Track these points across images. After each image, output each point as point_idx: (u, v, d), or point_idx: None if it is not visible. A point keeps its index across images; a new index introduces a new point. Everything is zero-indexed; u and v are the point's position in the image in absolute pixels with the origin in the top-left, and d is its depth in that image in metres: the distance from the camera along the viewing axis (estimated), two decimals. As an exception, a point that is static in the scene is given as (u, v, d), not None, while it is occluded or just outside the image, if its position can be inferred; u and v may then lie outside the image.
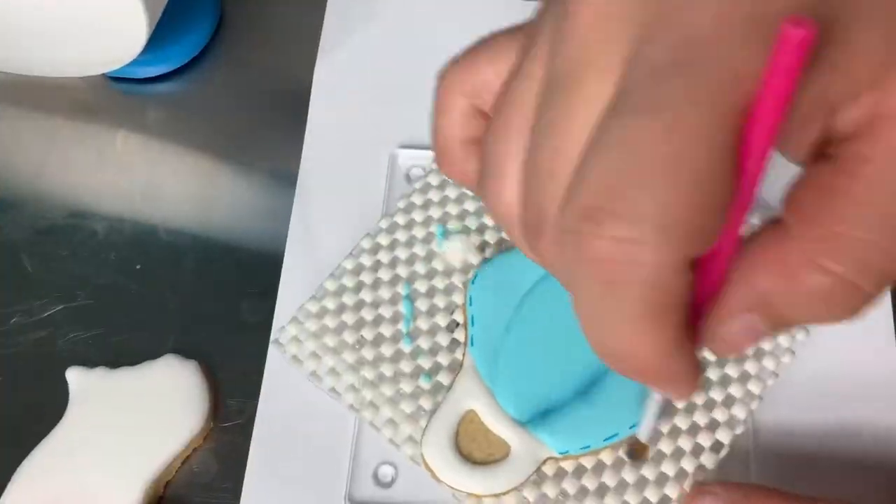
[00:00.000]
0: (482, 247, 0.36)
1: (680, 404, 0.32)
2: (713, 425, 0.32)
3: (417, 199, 0.37)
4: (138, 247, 0.40)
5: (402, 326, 0.35)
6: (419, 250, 0.36)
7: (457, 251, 0.36)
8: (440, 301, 0.35)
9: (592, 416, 0.31)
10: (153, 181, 0.42)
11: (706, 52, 0.15)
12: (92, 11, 0.38)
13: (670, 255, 0.16)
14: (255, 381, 0.36)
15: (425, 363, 0.34)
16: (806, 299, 0.17)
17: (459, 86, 0.22)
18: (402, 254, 0.36)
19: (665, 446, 0.32)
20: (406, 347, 0.34)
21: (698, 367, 0.18)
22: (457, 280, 0.36)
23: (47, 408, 0.36)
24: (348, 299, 0.35)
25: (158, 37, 0.42)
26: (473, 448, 0.31)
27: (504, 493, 0.31)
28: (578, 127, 0.17)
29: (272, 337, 0.36)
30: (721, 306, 0.18)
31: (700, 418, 0.32)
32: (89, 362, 0.37)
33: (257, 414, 0.35)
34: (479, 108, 0.22)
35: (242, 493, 0.34)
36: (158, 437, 0.35)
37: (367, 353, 0.34)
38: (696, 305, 0.18)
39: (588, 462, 0.32)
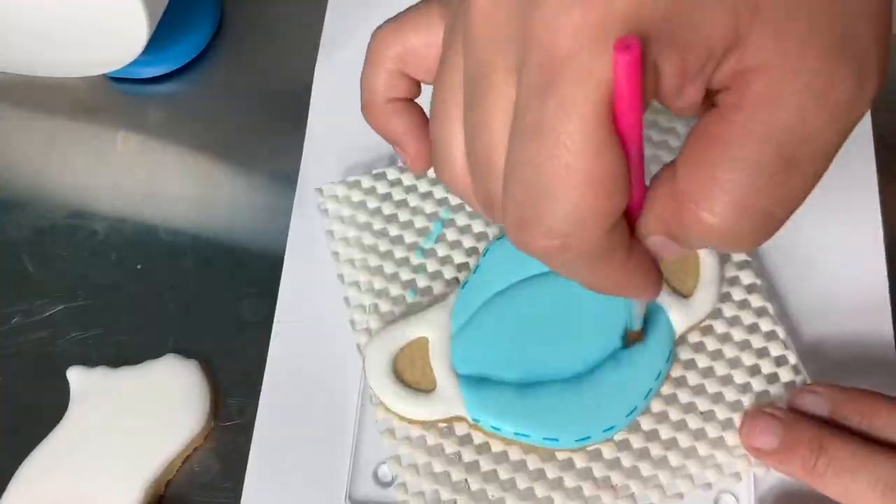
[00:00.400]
0: None
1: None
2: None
3: None
4: (139, 247, 0.40)
5: (422, 241, 0.37)
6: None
7: None
8: (467, 241, 0.37)
9: (517, 408, 0.32)
10: (153, 181, 0.42)
11: (567, 70, 0.17)
12: (92, 12, 0.38)
13: (590, 234, 0.19)
14: (255, 381, 0.36)
15: (421, 281, 0.36)
16: (693, 232, 0.19)
17: (387, 49, 0.25)
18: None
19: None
20: (415, 260, 0.36)
21: (654, 273, 0.22)
22: (492, 231, 0.37)
23: (48, 408, 0.36)
24: (397, 194, 0.38)
25: (159, 37, 0.42)
26: (407, 369, 0.33)
27: (408, 420, 0.32)
28: (499, 123, 0.20)
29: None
30: (639, 228, 0.21)
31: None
32: (90, 362, 0.37)
33: (258, 413, 0.35)
34: (403, 71, 0.25)
35: (243, 493, 0.34)
36: (159, 436, 0.35)
37: (382, 245, 0.37)
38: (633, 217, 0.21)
39: (494, 445, 0.32)
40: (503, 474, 0.32)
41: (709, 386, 0.33)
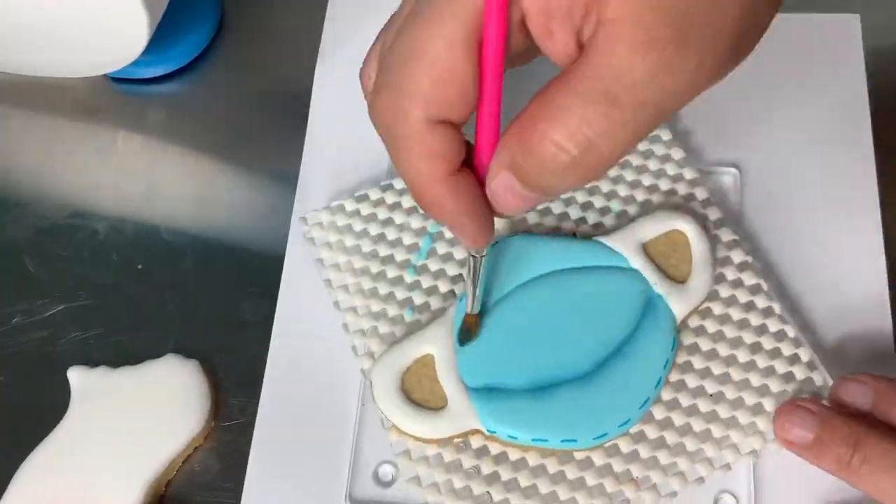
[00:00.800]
0: (516, 225, 0.37)
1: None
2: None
3: None
4: (139, 247, 0.40)
5: (413, 258, 0.37)
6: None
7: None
8: (458, 253, 0.37)
9: (532, 415, 0.32)
10: (154, 181, 0.42)
11: None
12: (93, 12, 0.38)
13: (419, 116, 0.22)
14: (255, 381, 0.36)
15: (417, 299, 0.36)
16: (531, 157, 0.22)
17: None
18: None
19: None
20: (408, 278, 0.36)
21: (478, 215, 0.24)
22: None
23: (49, 407, 0.36)
24: (381, 213, 0.38)
25: (159, 38, 0.42)
26: (415, 388, 0.33)
27: (423, 440, 0.32)
28: (395, 28, 0.23)
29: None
30: (490, 166, 0.23)
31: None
32: (90, 362, 0.37)
33: (258, 413, 0.35)
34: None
35: (243, 493, 0.34)
36: (160, 436, 0.35)
37: (373, 267, 0.36)
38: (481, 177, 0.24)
39: (512, 453, 0.32)
40: (524, 482, 0.32)
41: (714, 368, 0.33)
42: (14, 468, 0.35)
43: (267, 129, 0.43)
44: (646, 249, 0.35)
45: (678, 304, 0.33)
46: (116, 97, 0.45)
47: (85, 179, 0.43)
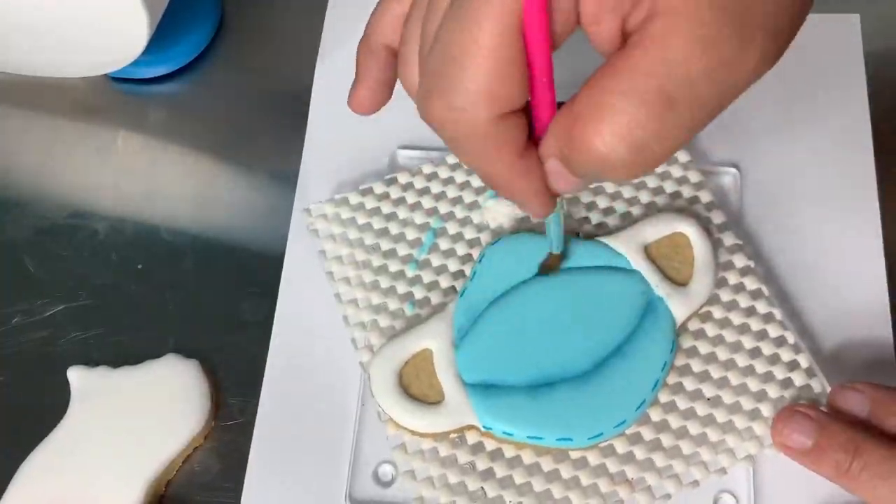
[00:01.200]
0: (522, 220, 0.37)
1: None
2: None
3: None
4: (139, 247, 0.40)
5: (416, 253, 0.37)
6: (467, 196, 0.38)
7: (498, 213, 0.37)
8: (460, 249, 0.37)
9: (528, 412, 0.32)
10: (154, 181, 0.42)
11: None
12: (93, 12, 0.38)
13: (481, 114, 0.21)
14: (255, 381, 0.36)
15: (418, 293, 0.36)
16: (580, 153, 0.21)
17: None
18: (451, 192, 0.38)
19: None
20: (410, 272, 0.36)
21: (542, 188, 0.24)
22: (484, 237, 0.37)
23: (49, 407, 0.36)
24: (385, 207, 0.38)
25: (159, 37, 0.42)
26: (413, 382, 0.33)
27: (419, 434, 0.32)
28: (433, 22, 0.22)
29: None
30: (539, 150, 0.23)
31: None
32: (90, 362, 0.37)
33: (258, 413, 0.35)
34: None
35: (243, 492, 0.34)
36: (160, 436, 0.35)
37: (375, 260, 0.36)
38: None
39: (507, 450, 0.32)
40: (518, 479, 0.32)
41: (713, 371, 0.33)
42: (14, 468, 0.35)
43: (267, 129, 0.43)
44: (648, 251, 0.35)
45: (679, 307, 0.33)
46: (116, 97, 0.45)
47: (85, 179, 0.43)
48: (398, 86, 0.42)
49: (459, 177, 0.38)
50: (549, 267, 0.34)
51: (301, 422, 0.35)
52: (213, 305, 0.39)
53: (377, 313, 0.35)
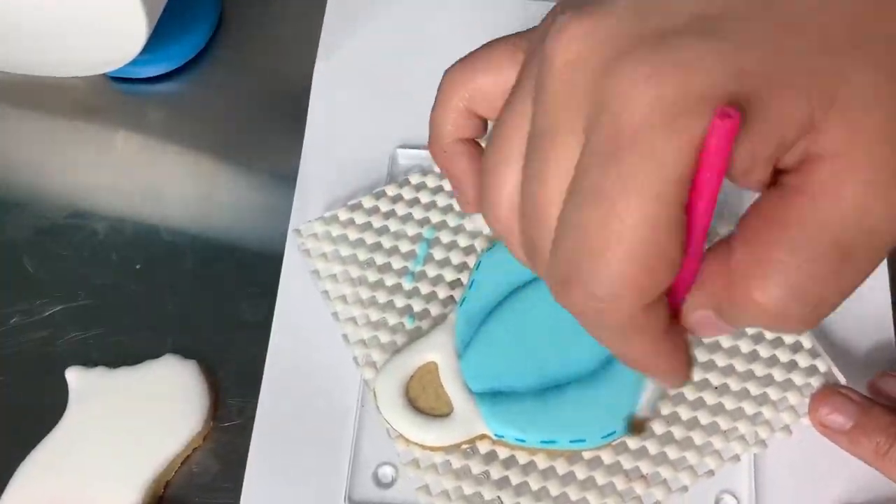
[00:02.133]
0: None
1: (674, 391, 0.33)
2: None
3: None
4: (138, 247, 0.40)
5: (411, 265, 0.36)
6: (457, 204, 0.37)
7: None
8: (455, 257, 0.36)
9: (539, 416, 0.32)
10: (153, 181, 0.42)
11: (634, 144, 0.17)
12: (92, 11, 0.38)
13: (636, 306, 0.19)
14: (255, 381, 0.36)
15: (416, 306, 0.35)
16: (744, 310, 0.19)
17: (458, 88, 0.24)
18: (440, 201, 0.38)
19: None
20: (406, 285, 0.36)
21: (684, 362, 0.22)
22: (478, 244, 0.37)
23: (47, 408, 0.36)
24: (376, 221, 0.37)
25: (158, 37, 0.42)
26: (420, 396, 0.32)
27: (430, 448, 0.32)
28: (557, 180, 0.20)
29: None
30: (687, 303, 0.21)
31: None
32: (89, 362, 0.37)
33: (257, 414, 0.35)
34: (473, 111, 0.25)
35: (242, 493, 0.34)
36: (158, 436, 0.35)
37: (371, 276, 0.36)
38: (677, 299, 0.21)
39: (521, 457, 0.32)
40: (534, 484, 0.32)
41: (718, 360, 0.34)
42: (13, 468, 0.34)
43: (266, 129, 0.43)
44: None
45: None
46: (116, 96, 0.44)
47: (84, 179, 0.42)
48: (398, 87, 0.42)
49: (448, 185, 0.38)
50: (637, 428, 0.32)
51: (300, 423, 0.35)
52: (213, 306, 0.39)
53: (377, 329, 0.35)
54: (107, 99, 0.44)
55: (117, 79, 0.45)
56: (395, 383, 0.32)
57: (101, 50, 0.41)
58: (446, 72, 0.25)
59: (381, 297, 0.36)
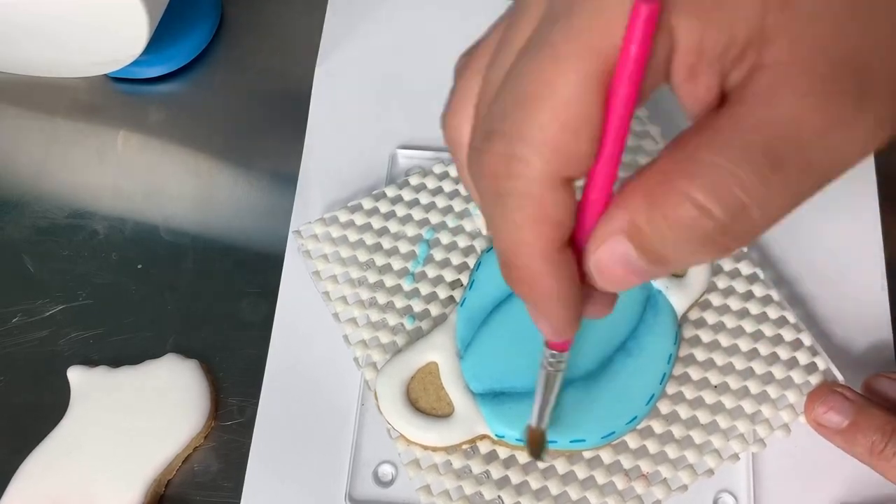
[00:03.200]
0: None
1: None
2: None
3: None
4: (139, 246, 0.40)
5: (411, 266, 0.36)
6: (457, 205, 0.38)
7: None
8: (455, 258, 0.36)
9: None
10: (154, 181, 0.42)
11: (591, 3, 0.17)
12: (93, 12, 0.38)
13: (542, 170, 0.18)
14: (255, 381, 0.36)
15: (417, 306, 0.35)
16: (667, 223, 0.18)
17: (474, 69, 0.22)
18: (440, 202, 0.38)
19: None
20: (406, 286, 0.36)
21: (571, 300, 0.20)
22: (478, 245, 0.37)
23: (49, 407, 0.36)
24: (376, 223, 0.37)
25: (159, 37, 0.42)
26: (421, 396, 0.33)
27: (431, 448, 0.32)
28: (518, 45, 0.19)
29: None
30: (597, 230, 0.19)
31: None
32: (90, 361, 0.37)
33: (258, 413, 0.35)
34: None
35: (243, 492, 0.34)
36: (160, 436, 0.35)
37: (371, 276, 0.36)
38: (579, 243, 0.20)
39: (522, 457, 0.32)
40: (534, 484, 0.32)
41: (717, 358, 0.34)
42: (14, 467, 0.35)
43: (267, 129, 0.43)
44: None
45: (678, 298, 0.34)
46: (117, 97, 0.45)
47: (85, 179, 0.43)
48: (398, 87, 0.43)
49: (448, 186, 0.38)
50: (532, 446, 0.30)
51: (301, 421, 0.35)
52: (213, 305, 0.39)
53: (377, 330, 0.35)
54: (108, 99, 0.44)
55: (118, 79, 0.45)
56: (396, 384, 0.33)
57: (102, 51, 0.41)
58: (461, 57, 0.23)
59: (382, 298, 0.36)
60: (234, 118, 0.44)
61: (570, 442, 0.32)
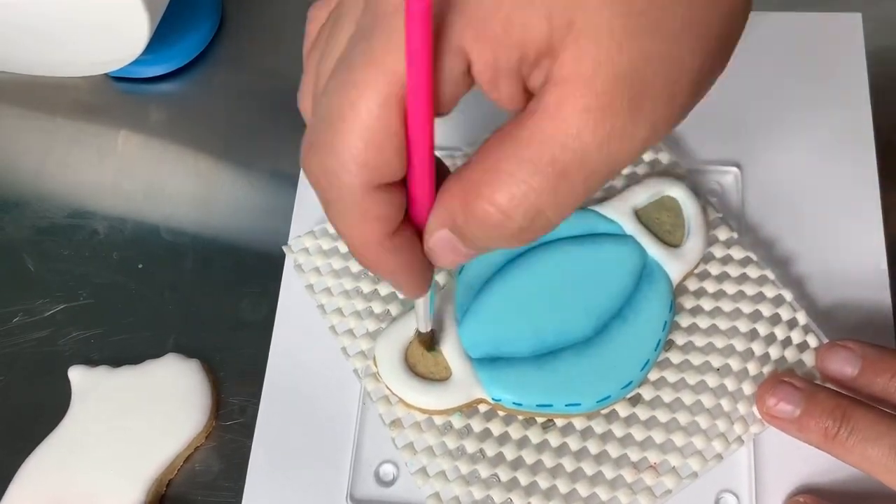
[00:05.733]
0: None
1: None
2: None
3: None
4: (139, 246, 0.40)
5: None
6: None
7: None
8: None
9: (536, 381, 0.32)
10: (154, 181, 0.42)
11: (385, 24, 0.19)
12: (94, 12, 0.38)
13: (355, 182, 0.20)
14: (256, 380, 0.36)
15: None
16: (478, 224, 0.21)
17: (318, 19, 0.24)
18: None
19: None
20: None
21: (417, 269, 0.23)
22: None
23: (49, 407, 0.36)
24: None
25: (160, 37, 0.42)
26: (419, 361, 0.33)
27: (430, 412, 0.32)
28: (334, 58, 0.21)
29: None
30: (428, 224, 0.22)
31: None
32: (91, 361, 0.37)
33: (259, 412, 0.35)
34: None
35: (244, 492, 0.34)
36: (160, 435, 0.35)
37: (365, 286, 0.36)
38: (419, 226, 0.23)
39: (515, 430, 0.33)
40: (529, 459, 0.32)
41: (717, 342, 0.34)
42: (15, 467, 0.35)
43: (267, 129, 0.43)
44: (639, 216, 0.35)
45: (673, 267, 0.34)
46: (117, 96, 0.45)
47: (85, 179, 0.43)
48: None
49: None
50: (423, 344, 0.33)
51: (302, 421, 0.35)
52: (214, 305, 0.39)
53: (374, 339, 0.35)
54: (108, 99, 0.44)
55: (119, 78, 0.45)
56: (394, 349, 0.33)
57: (103, 50, 0.41)
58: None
59: (377, 308, 0.36)
60: (234, 118, 0.44)
61: (566, 406, 0.32)
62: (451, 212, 0.21)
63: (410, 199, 0.22)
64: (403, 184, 0.22)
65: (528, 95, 0.20)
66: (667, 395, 0.33)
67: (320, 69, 0.22)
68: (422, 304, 0.30)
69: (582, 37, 0.18)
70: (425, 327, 0.32)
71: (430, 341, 0.33)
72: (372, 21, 0.19)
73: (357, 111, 0.19)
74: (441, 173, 0.22)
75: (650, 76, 0.19)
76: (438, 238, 0.22)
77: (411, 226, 0.23)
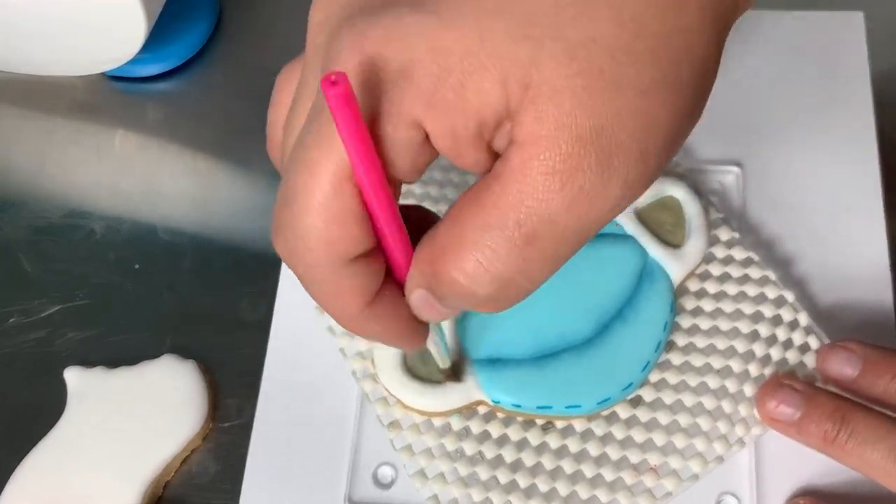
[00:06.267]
0: None
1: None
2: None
3: None
4: (137, 246, 0.40)
5: None
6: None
7: None
8: None
9: (535, 383, 0.32)
10: (152, 180, 0.42)
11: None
12: (91, 11, 0.38)
13: (322, 259, 0.20)
14: (254, 381, 0.36)
15: None
16: (446, 287, 0.20)
17: (290, 84, 0.24)
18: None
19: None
20: None
21: (404, 329, 0.23)
22: None
23: (45, 408, 0.36)
24: None
25: (157, 36, 0.42)
26: (418, 363, 0.33)
27: (429, 413, 0.32)
28: (298, 130, 0.21)
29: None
30: (406, 284, 0.22)
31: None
32: (87, 362, 0.37)
33: (256, 414, 0.35)
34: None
35: (241, 494, 0.34)
36: (157, 437, 0.35)
37: None
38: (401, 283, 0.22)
39: (514, 431, 0.32)
40: (528, 461, 0.32)
41: (718, 343, 0.34)
42: (11, 468, 0.34)
43: (265, 128, 0.43)
44: (640, 216, 0.35)
45: (674, 268, 0.34)
46: (114, 95, 0.44)
47: (82, 178, 0.42)
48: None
49: (433, 190, 0.38)
50: (445, 377, 0.32)
51: (300, 423, 0.35)
52: (211, 306, 0.38)
53: (373, 341, 0.35)
54: (105, 98, 0.44)
55: (116, 78, 0.44)
56: (392, 350, 0.33)
57: (100, 49, 0.41)
58: (281, 71, 0.25)
59: None
60: (232, 117, 0.43)
61: (566, 408, 0.32)
62: (425, 276, 0.21)
63: (389, 263, 0.22)
64: (380, 249, 0.21)
65: (496, 156, 0.20)
66: (668, 397, 0.33)
67: (285, 141, 0.22)
68: (431, 345, 0.29)
69: (540, 98, 0.18)
70: (443, 364, 0.32)
71: (450, 374, 0.32)
72: (321, 98, 0.19)
73: (310, 192, 0.19)
74: (428, 223, 0.22)
75: (618, 132, 0.18)
76: (417, 297, 0.22)
77: (396, 285, 0.22)
